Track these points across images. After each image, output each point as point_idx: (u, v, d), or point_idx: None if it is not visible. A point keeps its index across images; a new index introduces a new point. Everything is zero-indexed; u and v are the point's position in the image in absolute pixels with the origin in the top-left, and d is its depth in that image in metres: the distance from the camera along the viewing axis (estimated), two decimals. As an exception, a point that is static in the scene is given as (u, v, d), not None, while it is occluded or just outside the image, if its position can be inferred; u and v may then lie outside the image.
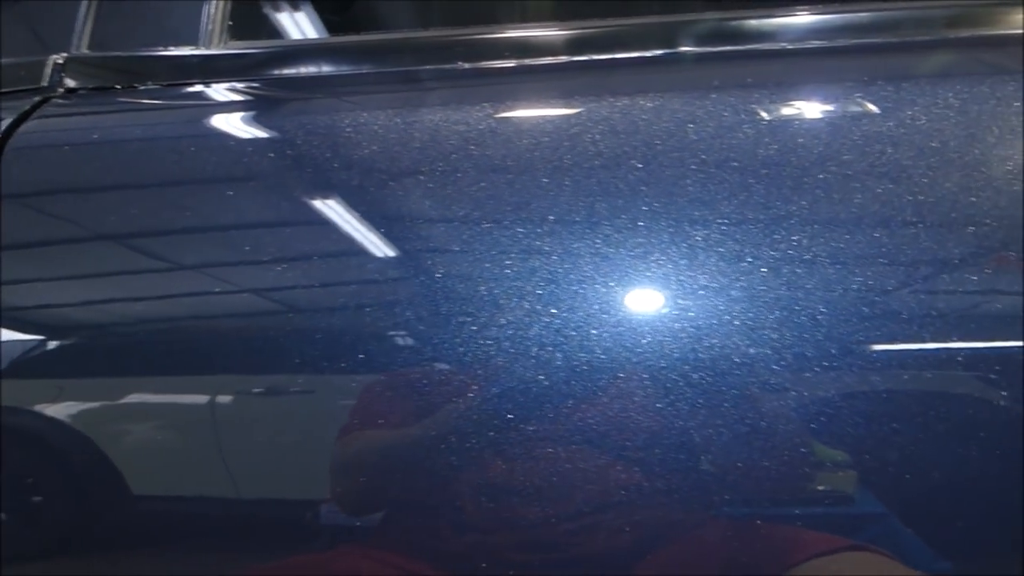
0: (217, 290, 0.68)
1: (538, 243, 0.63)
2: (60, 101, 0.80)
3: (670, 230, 0.61)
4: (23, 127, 0.76)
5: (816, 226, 0.60)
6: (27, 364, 0.67)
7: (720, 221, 0.61)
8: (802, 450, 0.57)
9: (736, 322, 0.58)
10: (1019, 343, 0.57)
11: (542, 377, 0.59)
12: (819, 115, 0.67)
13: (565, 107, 0.72)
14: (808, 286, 0.59)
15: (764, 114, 0.66)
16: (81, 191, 0.73)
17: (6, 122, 0.76)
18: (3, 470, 0.65)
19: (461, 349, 0.61)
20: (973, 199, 0.60)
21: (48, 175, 0.74)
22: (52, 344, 0.68)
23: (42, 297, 0.70)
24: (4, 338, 0.67)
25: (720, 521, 0.58)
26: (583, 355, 0.59)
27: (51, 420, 0.65)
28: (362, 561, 0.62)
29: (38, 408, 0.66)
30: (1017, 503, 0.55)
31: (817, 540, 0.58)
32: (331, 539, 0.62)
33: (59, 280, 0.71)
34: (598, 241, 0.62)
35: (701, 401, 0.57)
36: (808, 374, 0.57)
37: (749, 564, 0.58)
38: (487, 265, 0.63)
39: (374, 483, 0.62)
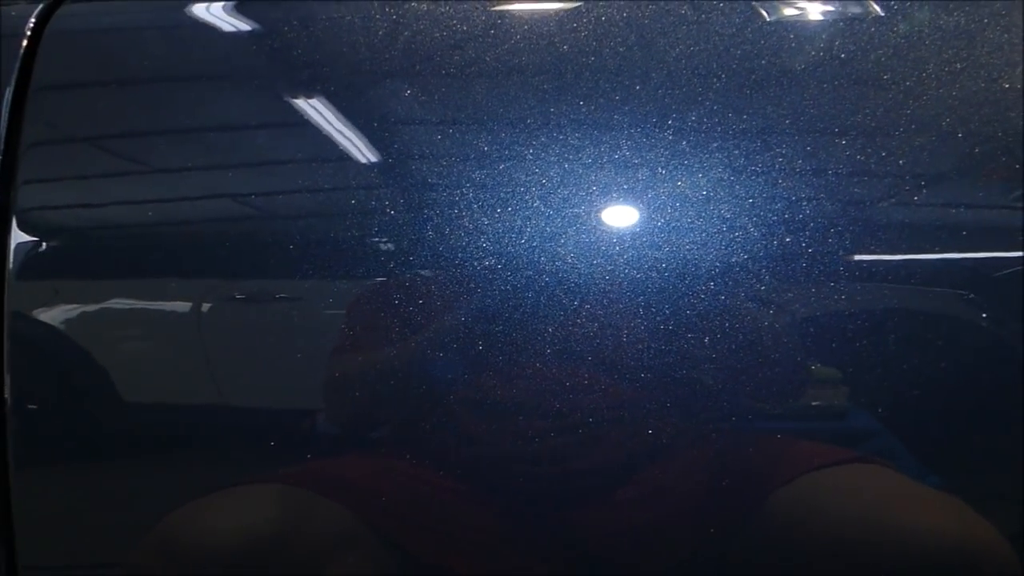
0: (198, 193, 0.66)
1: (528, 149, 0.61)
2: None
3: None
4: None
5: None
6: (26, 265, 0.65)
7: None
8: (798, 363, 0.57)
9: (728, 231, 0.57)
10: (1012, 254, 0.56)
11: (531, 289, 0.58)
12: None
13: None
14: (799, 197, 0.57)
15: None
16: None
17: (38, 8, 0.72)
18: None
19: (448, 257, 0.59)
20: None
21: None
22: (45, 245, 0.67)
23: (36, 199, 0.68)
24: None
25: (725, 433, 0.58)
26: (574, 265, 0.58)
27: (47, 325, 0.64)
28: (362, 467, 0.63)
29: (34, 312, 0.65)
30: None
31: (824, 451, 0.59)
32: (327, 447, 0.62)
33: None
34: (589, 152, 0.60)
35: (696, 313, 0.56)
36: (806, 286, 0.56)
37: (756, 473, 0.58)
38: (474, 172, 0.61)
39: (365, 397, 0.62)
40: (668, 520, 0.60)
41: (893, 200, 0.57)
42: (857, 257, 0.56)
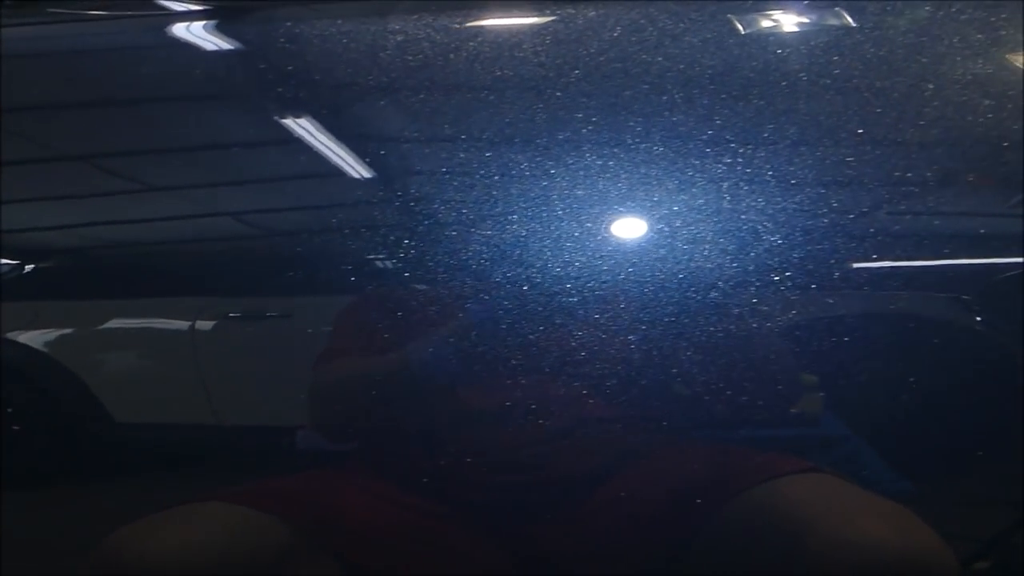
0: (185, 212, 0.68)
1: (515, 163, 0.62)
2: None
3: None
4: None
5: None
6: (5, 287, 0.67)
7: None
8: (766, 373, 0.58)
9: (701, 243, 0.58)
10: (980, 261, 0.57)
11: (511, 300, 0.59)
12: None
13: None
14: (766, 205, 0.58)
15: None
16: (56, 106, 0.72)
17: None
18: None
19: (438, 269, 0.61)
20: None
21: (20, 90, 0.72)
22: (28, 267, 0.68)
23: (17, 220, 0.70)
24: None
25: (680, 444, 0.59)
26: (553, 278, 0.59)
27: (26, 347, 0.65)
28: (341, 487, 0.64)
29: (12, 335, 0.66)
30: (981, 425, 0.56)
31: (776, 462, 0.59)
32: (308, 464, 0.64)
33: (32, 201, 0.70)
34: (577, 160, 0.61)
35: (662, 324, 0.57)
36: (772, 295, 0.57)
37: (706, 485, 0.59)
38: (461, 185, 0.62)
39: (351, 407, 0.63)
40: (622, 531, 0.61)
41: (856, 210, 0.58)
42: (820, 267, 0.57)
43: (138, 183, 0.70)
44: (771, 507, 0.57)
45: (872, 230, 0.57)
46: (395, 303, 0.61)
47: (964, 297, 0.56)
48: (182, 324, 0.64)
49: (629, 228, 0.59)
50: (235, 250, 0.67)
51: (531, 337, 0.58)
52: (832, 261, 0.56)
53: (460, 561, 0.62)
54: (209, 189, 0.68)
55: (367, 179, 0.64)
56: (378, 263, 0.62)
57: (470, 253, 0.59)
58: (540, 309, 0.58)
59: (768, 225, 0.57)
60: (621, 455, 0.60)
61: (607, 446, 0.60)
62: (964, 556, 0.57)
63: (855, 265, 0.57)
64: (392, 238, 0.62)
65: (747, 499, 0.58)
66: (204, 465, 0.65)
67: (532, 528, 0.61)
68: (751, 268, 0.56)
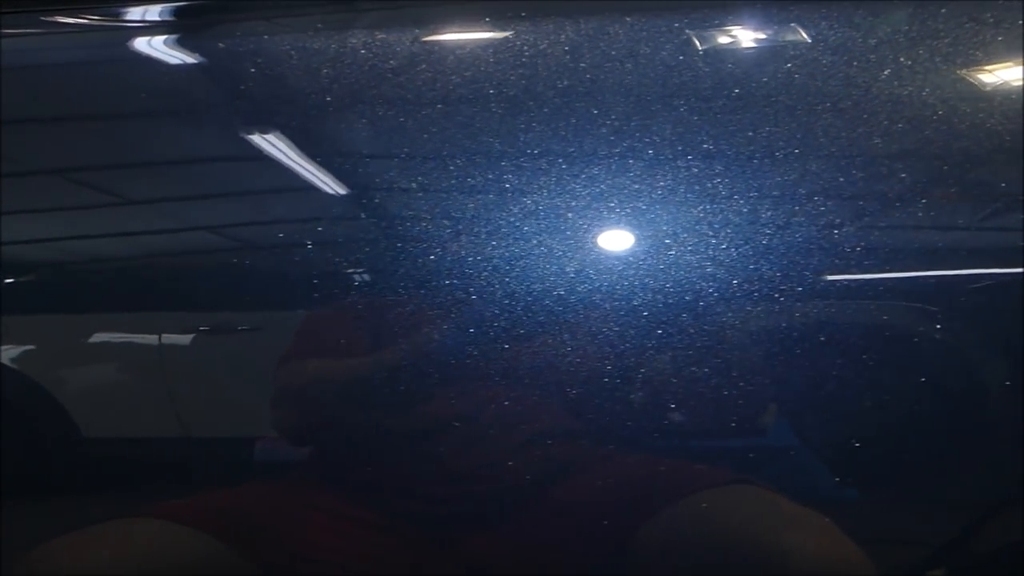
0: (151, 227, 0.68)
1: (483, 175, 0.63)
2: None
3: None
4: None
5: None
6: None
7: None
8: (701, 383, 0.58)
9: (651, 254, 0.59)
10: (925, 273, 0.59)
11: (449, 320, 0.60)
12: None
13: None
14: (708, 216, 0.59)
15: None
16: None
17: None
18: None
19: (403, 282, 0.61)
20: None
21: None
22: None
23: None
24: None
25: (615, 455, 0.60)
26: (503, 293, 0.60)
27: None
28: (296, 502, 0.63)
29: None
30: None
31: (704, 474, 0.60)
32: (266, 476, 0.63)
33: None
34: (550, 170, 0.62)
35: (606, 337, 0.58)
36: (711, 305, 0.58)
37: (638, 497, 0.60)
38: (426, 198, 0.63)
39: (312, 408, 0.63)
40: (557, 543, 0.62)
41: (811, 223, 0.59)
42: (768, 277, 0.58)
43: (106, 196, 0.70)
44: (698, 519, 0.59)
45: (819, 241, 0.58)
46: (359, 311, 0.62)
47: (919, 305, 0.58)
48: (151, 338, 0.64)
49: (581, 241, 0.60)
50: (206, 264, 0.67)
51: (475, 351, 0.59)
52: (780, 273, 0.58)
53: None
54: (178, 203, 0.68)
55: (335, 192, 0.65)
56: (347, 275, 0.63)
57: (433, 266, 0.60)
58: (491, 322, 0.59)
59: (717, 237, 0.58)
60: (560, 466, 0.61)
61: (547, 458, 0.61)
62: (918, 564, 0.60)
63: (805, 275, 0.58)
64: (361, 250, 0.63)
65: (676, 511, 0.59)
66: (174, 479, 0.65)
67: (471, 541, 0.62)
68: (702, 281, 0.58)
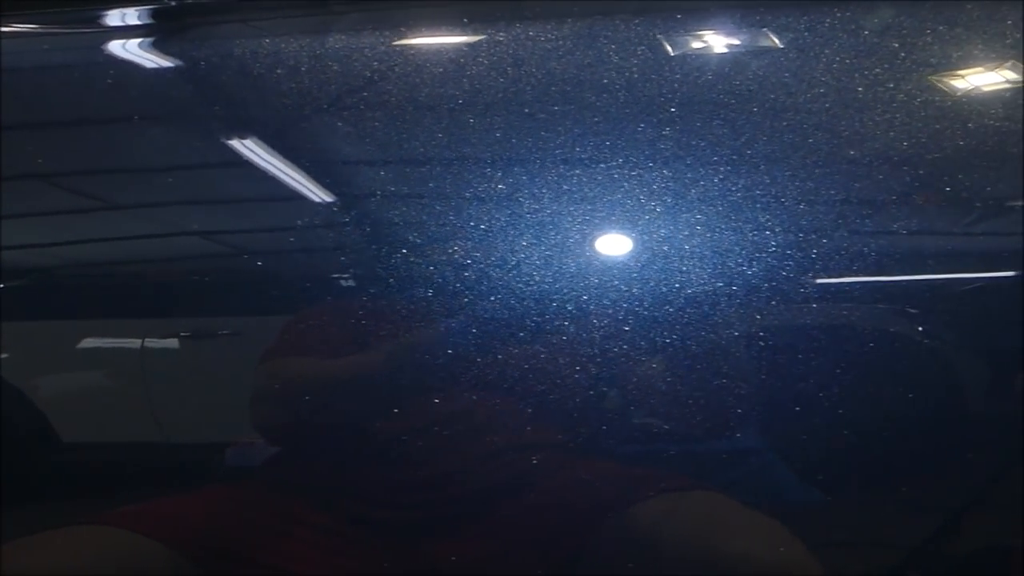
0: (135, 231, 0.68)
1: (453, 177, 0.64)
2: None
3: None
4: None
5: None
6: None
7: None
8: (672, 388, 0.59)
9: (609, 261, 0.59)
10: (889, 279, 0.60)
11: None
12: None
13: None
14: (671, 220, 0.60)
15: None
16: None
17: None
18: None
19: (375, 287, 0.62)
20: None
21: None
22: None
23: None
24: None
25: (572, 460, 0.60)
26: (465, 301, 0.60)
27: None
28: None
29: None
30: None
31: (658, 479, 0.61)
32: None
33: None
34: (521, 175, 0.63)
35: (563, 342, 0.58)
36: (670, 310, 0.58)
37: (591, 503, 0.61)
38: (404, 202, 0.64)
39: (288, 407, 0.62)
40: (511, 549, 0.62)
41: (780, 228, 0.60)
42: (733, 283, 0.58)
43: (84, 201, 0.70)
44: (650, 524, 0.60)
45: (782, 247, 0.59)
46: (336, 315, 0.62)
47: (884, 307, 0.59)
48: (133, 343, 0.65)
49: (548, 248, 0.61)
50: (186, 269, 0.68)
51: (443, 360, 0.60)
52: (742, 276, 0.58)
53: None
54: (157, 208, 0.68)
55: (312, 195, 0.65)
56: (328, 281, 0.64)
57: (409, 274, 0.61)
58: (461, 331, 0.60)
59: (679, 243, 0.59)
60: (519, 473, 0.61)
61: (506, 464, 0.61)
62: (888, 567, 0.61)
63: (770, 277, 0.58)
64: (340, 256, 0.64)
65: (629, 516, 0.60)
66: (153, 486, 0.65)
67: (430, 547, 0.62)
68: (661, 286, 0.58)
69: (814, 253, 0.58)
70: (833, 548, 0.60)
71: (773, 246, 0.58)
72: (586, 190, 0.61)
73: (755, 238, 0.59)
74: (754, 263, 0.58)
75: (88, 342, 0.66)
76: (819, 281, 0.59)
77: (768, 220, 0.59)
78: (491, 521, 0.61)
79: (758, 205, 0.60)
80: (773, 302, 0.58)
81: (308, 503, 0.62)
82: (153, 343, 0.64)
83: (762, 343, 0.58)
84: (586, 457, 0.60)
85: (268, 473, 0.62)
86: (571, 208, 0.61)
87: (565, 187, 0.61)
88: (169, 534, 0.59)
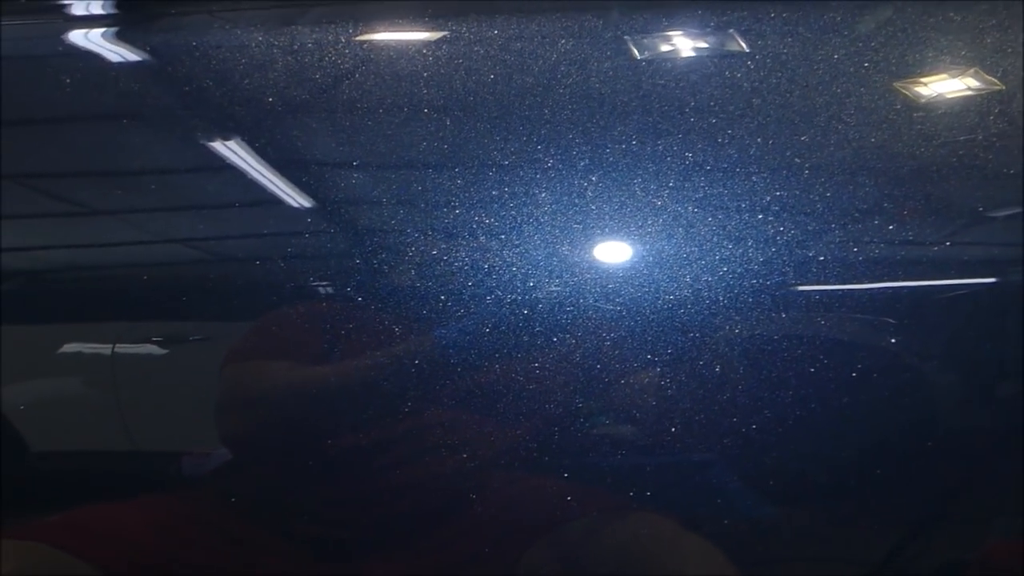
0: (106, 236, 0.68)
1: (427, 179, 0.64)
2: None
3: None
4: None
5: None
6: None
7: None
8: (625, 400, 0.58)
9: (568, 271, 0.59)
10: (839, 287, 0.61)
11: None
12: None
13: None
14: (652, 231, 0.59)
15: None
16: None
17: None
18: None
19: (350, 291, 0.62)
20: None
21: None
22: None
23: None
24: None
25: (512, 476, 0.60)
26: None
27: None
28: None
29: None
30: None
31: (594, 497, 0.61)
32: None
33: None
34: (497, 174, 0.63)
35: (515, 355, 0.58)
36: (619, 321, 0.58)
37: (530, 520, 0.61)
38: (374, 203, 0.64)
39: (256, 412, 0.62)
40: (449, 561, 0.62)
41: (753, 236, 0.60)
42: (700, 291, 0.58)
43: (54, 205, 0.69)
44: (587, 542, 0.60)
45: (738, 251, 0.59)
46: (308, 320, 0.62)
47: (849, 315, 0.59)
48: (103, 348, 0.65)
49: (513, 255, 0.60)
50: (160, 275, 0.67)
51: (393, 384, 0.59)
52: (696, 285, 0.58)
53: None
54: (130, 213, 0.68)
55: (290, 201, 0.65)
56: (300, 286, 0.64)
57: (380, 284, 0.61)
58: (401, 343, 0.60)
59: (649, 252, 0.59)
60: (456, 490, 0.61)
61: (444, 480, 0.61)
62: None
63: (729, 288, 0.59)
64: (312, 262, 0.64)
65: (566, 534, 0.61)
66: (124, 494, 0.64)
67: (365, 565, 0.62)
68: (610, 296, 0.58)
69: (776, 261, 0.59)
70: (776, 566, 0.61)
71: (738, 256, 0.59)
72: (551, 194, 0.61)
73: (713, 248, 0.59)
74: (712, 272, 0.58)
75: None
76: (777, 292, 0.59)
77: (730, 228, 0.60)
78: (426, 541, 0.61)
79: (727, 211, 0.60)
80: (723, 314, 0.58)
81: (232, 517, 0.61)
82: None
83: (709, 356, 0.58)
84: (522, 473, 0.60)
85: (209, 486, 0.61)
86: (532, 212, 0.61)
87: (534, 191, 0.62)
88: (96, 552, 0.58)
